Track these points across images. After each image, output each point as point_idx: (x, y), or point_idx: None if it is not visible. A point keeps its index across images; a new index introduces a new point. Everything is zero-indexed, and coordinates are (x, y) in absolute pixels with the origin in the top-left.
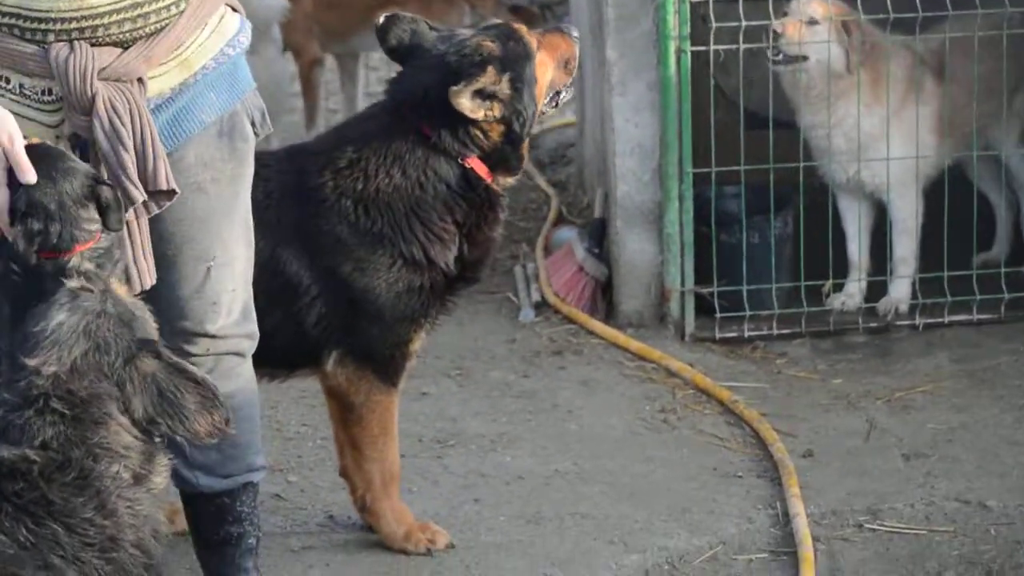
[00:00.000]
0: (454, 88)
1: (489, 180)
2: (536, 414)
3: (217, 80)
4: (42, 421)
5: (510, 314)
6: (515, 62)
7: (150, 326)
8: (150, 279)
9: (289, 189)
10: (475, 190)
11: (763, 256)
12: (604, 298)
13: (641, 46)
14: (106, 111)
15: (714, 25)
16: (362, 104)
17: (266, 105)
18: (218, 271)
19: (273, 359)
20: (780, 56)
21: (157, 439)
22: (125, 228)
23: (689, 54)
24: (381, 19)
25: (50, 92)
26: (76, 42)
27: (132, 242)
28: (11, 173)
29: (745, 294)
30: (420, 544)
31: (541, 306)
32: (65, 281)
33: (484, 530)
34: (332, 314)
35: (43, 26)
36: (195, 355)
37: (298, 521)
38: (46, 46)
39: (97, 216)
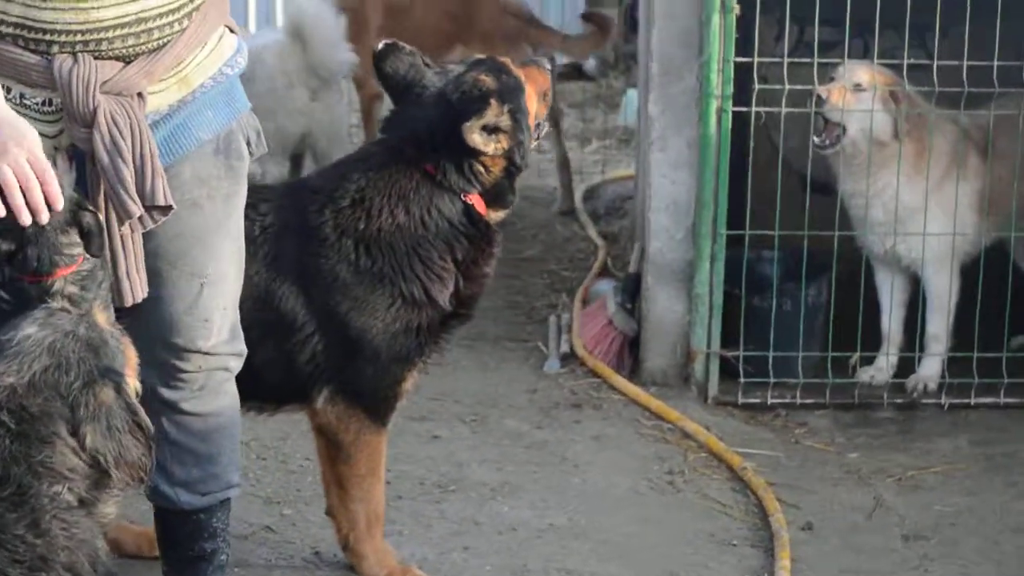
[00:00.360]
0: (467, 124)
1: (486, 216)
2: (542, 466)
3: (214, 99)
4: None
5: (536, 363)
6: (511, 94)
7: (121, 357)
8: (142, 292)
9: (288, 225)
10: (475, 226)
11: (793, 323)
12: (631, 354)
13: (683, 102)
14: (107, 124)
15: (757, 87)
16: None
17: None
18: (210, 288)
19: (262, 393)
20: (827, 143)
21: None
22: (119, 242)
23: (730, 113)
24: (380, 45)
25: (50, 103)
26: (80, 54)
27: (126, 256)
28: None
29: (771, 360)
30: None
31: (568, 358)
32: (49, 303)
33: None
34: (326, 352)
35: (48, 37)
36: (187, 371)
37: (284, 555)
38: (50, 57)
39: (79, 240)
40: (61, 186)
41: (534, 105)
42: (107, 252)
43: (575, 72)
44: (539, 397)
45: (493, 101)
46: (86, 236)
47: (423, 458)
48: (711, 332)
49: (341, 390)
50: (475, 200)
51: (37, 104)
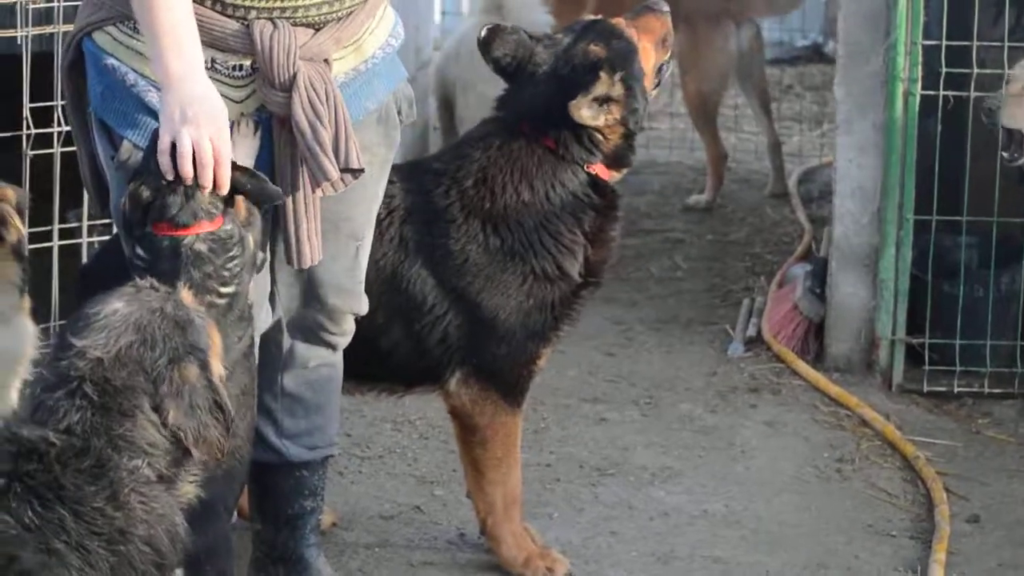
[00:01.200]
0: (572, 102)
1: (609, 182)
2: (708, 451)
3: (382, 69)
4: (70, 404)
5: (721, 347)
6: (623, 60)
7: (206, 338)
8: (319, 255)
9: (414, 207)
10: (600, 195)
11: (984, 311)
12: (817, 340)
13: (869, 86)
14: (306, 89)
15: (944, 70)
16: None
17: None
18: (362, 253)
19: (391, 376)
20: (1015, 156)
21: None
22: (303, 205)
23: (918, 97)
24: (484, 31)
25: (240, 68)
26: (278, 20)
27: (308, 219)
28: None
29: (958, 349)
30: (538, 572)
31: (754, 342)
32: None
33: (609, 564)
34: (458, 333)
35: (246, 3)
36: (332, 332)
37: (428, 536)
38: (247, 23)
39: (221, 202)
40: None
41: (651, 59)
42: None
43: (816, 54)
44: (717, 381)
45: (603, 73)
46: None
47: (588, 440)
48: (896, 319)
49: (474, 372)
50: (598, 168)
51: (228, 69)
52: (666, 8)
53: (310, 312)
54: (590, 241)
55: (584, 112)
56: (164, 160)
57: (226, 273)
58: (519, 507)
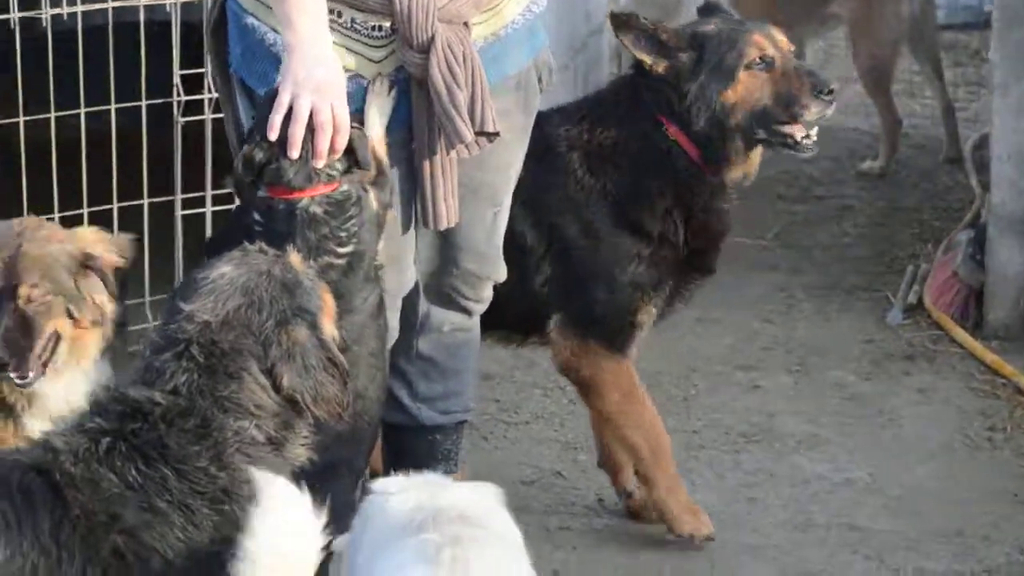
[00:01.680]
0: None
1: (697, 162)
2: (857, 419)
3: (522, 35)
4: (177, 366)
5: (881, 314)
6: None
7: (316, 299)
8: (455, 217)
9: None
10: (690, 175)
11: None
12: (978, 307)
13: None
14: (443, 50)
15: None
16: None
17: None
18: (500, 219)
19: (504, 322)
20: None
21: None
22: (439, 167)
23: None
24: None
25: (380, 28)
26: None
27: (444, 181)
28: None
29: None
30: (684, 527)
31: (915, 309)
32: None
33: (747, 531)
34: (555, 276)
35: None
36: (469, 298)
37: (566, 501)
38: None
39: (339, 165)
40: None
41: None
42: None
43: None
44: (873, 348)
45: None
46: (351, 151)
47: (737, 408)
48: None
49: (572, 319)
50: (688, 147)
51: (367, 29)
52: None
53: (447, 277)
54: (684, 221)
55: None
56: (276, 119)
57: (343, 234)
58: (667, 455)
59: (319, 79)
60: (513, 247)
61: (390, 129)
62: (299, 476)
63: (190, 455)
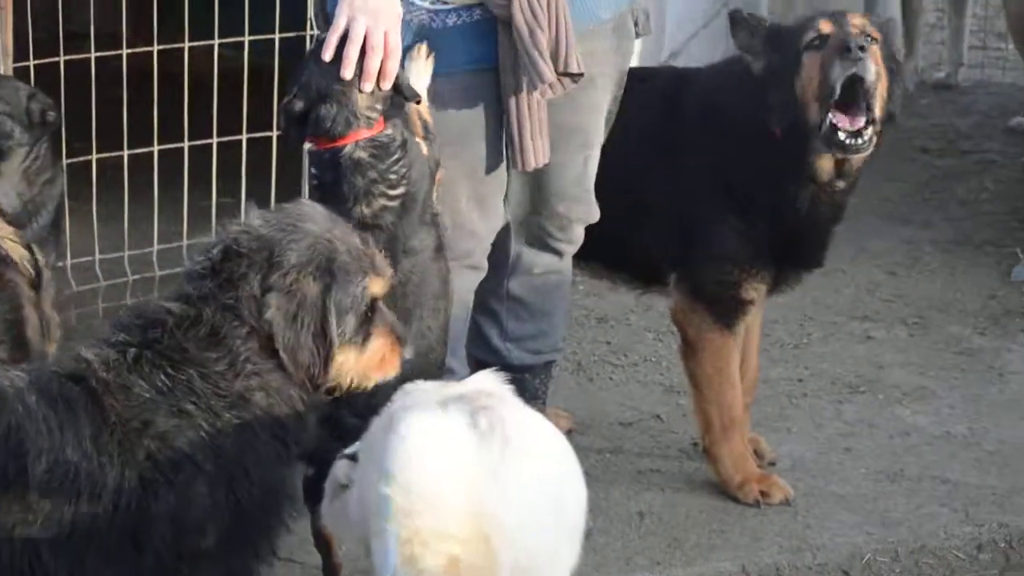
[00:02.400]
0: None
1: (791, 155)
2: (966, 373)
3: None
4: (200, 266)
5: (1009, 269)
6: None
7: (357, 277)
8: (544, 158)
9: (660, 101)
10: (785, 166)
11: None
12: None
13: None
14: None
15: None
16: (967, 40)
17: None
18: (591, 162)
19: (629, 267)
20: None
21: None
22: (526, 107)
23: None
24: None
25: None
26: None
27: (531, 122)
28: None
29: None
30: (751, 496)
31: None
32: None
33: (837, 480)
34: (674, 235)
35: None
36: (560, 240)
37: (661, 444)
38: None
39: (380, 105)
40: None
41: None
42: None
43: None
44: (994, 304)
45: None
46: (397, 88)
47: (846, 358)
48: None
49: (685, 279)
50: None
51: None
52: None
53: (537, 218)
54: (780, 203)
55: None
56: (333, 39)
57: (393, 176)
58: (738, 428)
59: (375, 5)
60: (640, 198)
61: (479, 69)
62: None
63: (208, 360)
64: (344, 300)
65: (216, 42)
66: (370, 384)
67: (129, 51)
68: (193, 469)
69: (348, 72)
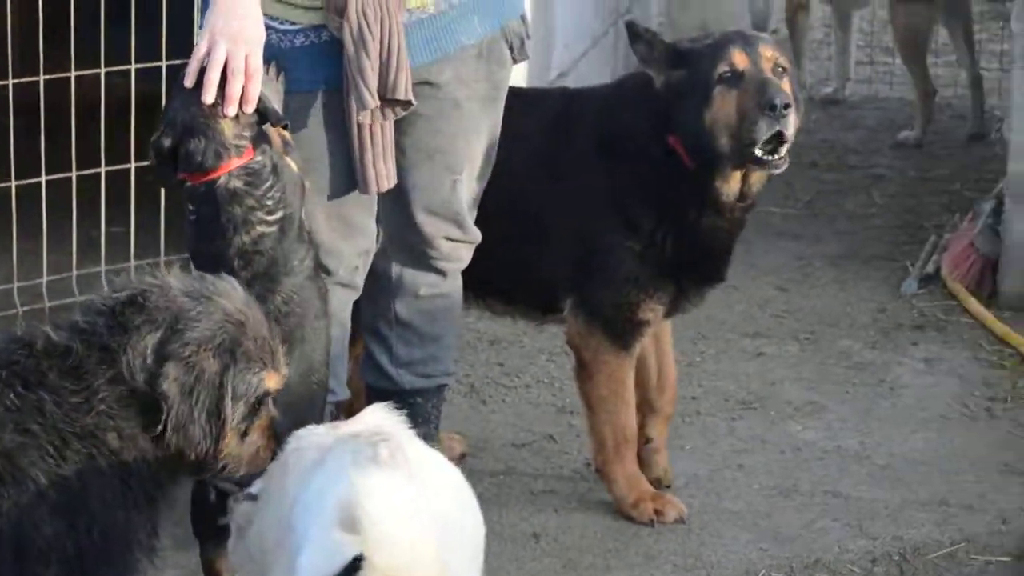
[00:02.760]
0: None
1: (692, 174)
2: (857, 387)
3: (482, 4)
4: (99, 305)
5: (898, 283)
6: None
7: (254, 371)
8: (388, 183)
9: (552, 123)
10: (685, 185)
11: None
12: (995, 277)
13: None
14: (356, 15)
15: None
16: (854, 56)
17: None
18: (461, 185)
19: (525, 297)
20: None
21: None
22: (367, 131)
23: None
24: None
25: None
26: None
27: (372, 145)
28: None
29: None
30: (645, 515)
31: (931, 279)
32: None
33: (730, 497)
34: (568, 259)
35: None
36: (434, 258)
37: (555, 465)
38: None
39: (247, 133)
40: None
41: None
42: (279, 145)
43: None
44: (884, 317)
45: None
46: (262, 114)
47: (739, 375)
48: None
49: (581, 303)
50: (681, 152)
51: None
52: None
53: (410, 238)
54: (672, 222)
55: None
56: (193, 66)
57: (269, 202)
58: (632, 448)
59: (235, 29)
60: (532, 223)
61: (329, 89)
62: None
63: (63, 389)
64: (240, 386)
65: (103, 71)
66: (239, 473)
67: (15, 80)
68: (36, 492)
69: (208, 96)
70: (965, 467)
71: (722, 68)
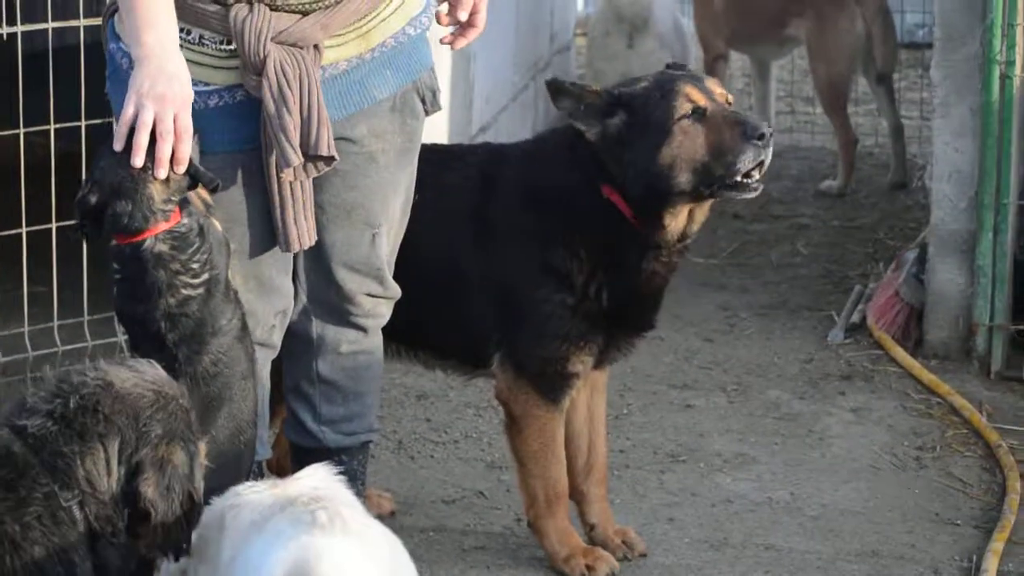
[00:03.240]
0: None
1: (632, 222)
2: (787, 438)
3: (395, 58)
4: (45, 406)
5: (824, 333)
6: None
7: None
8: (309, 240)
9: (477, 179)
10: (623, 235)
11: None
12: (919, 326)
13: (966, 69)
14: (275, 73)
15: None
16: (774, 106)
17: None
18: (380, 239)
19: (454, 352)
20: None
21: None
22: (287, 189)
23: (1016, 80)
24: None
25: (229, 42)
26: (256, 5)
27: (293, 203)
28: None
29: None
30: (577, 570)
31: (857, 328)
32: (145, 266)
33: (661, 551)
34: (495, 312)
35: None
36: (355, 315)
37: (485, 521)
38: (228, 6)
39: (175, 197)
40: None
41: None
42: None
43: None
44: (811, 368)
45: None
46: (193, 176)
47: (667, 427)
48: (994, 305)
49: (509, 357)
50: (618, 202)
51: (215, 43)
52: None
53: (330, 294)
54: (606, 273)
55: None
56: (122, 130)
57: (195, 265)
58: (564, 503)
59: (162, 90)
60: (461, 278)
61: (245, 149)
62: None
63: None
64: (197, 468)
65: (22, 131)
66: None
67: None
68: None
69: (138, 160)
70: (896, 517)
71: (682, 105)
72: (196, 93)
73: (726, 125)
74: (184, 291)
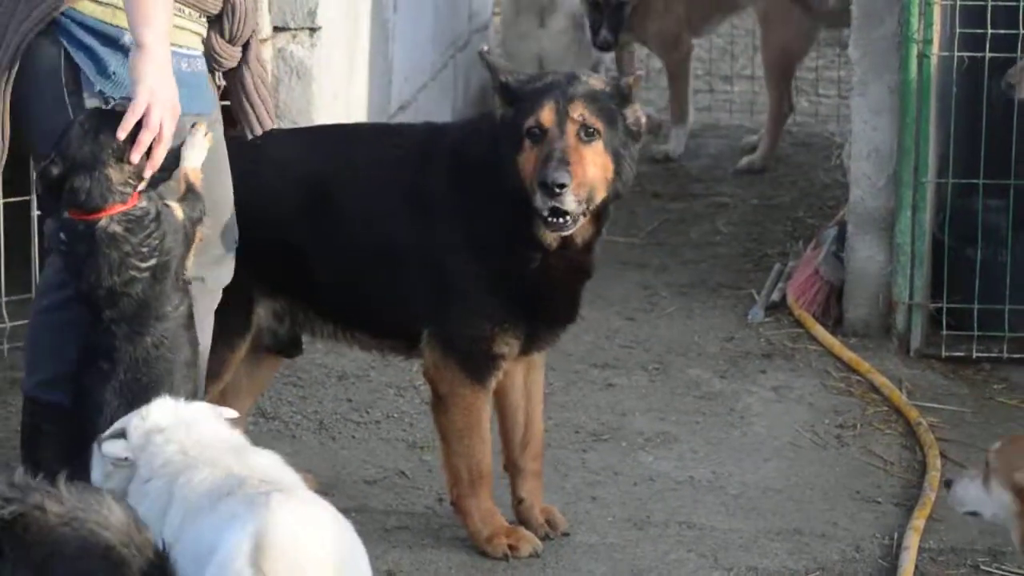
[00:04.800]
0: None
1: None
2: (708, 417)
3: None
4: None
5: (744, 312)
6: None
7: None
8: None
9: (416, 156)
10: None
11: (1003, 275)
12: (839, 304)
13: (884, 47)
14: None
15: (959, 31)
16: (692, 84)
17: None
18: None
19: (387, 331)
20: None
21: None
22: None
23: (933, 58)
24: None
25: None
26: None
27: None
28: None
29: (976, 313)
30: (499, 549)
31: (777, 306)
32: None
33: (584, 530)
34: (424, 289)
35: None
36: None
37: (407, 501)
38: None
39: (133, 180)
40: None
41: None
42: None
43: None
44: (732, 346)
45: None
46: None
47: (589, 406)
48: (913, 283)
49: (436, 334)
50: None
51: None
52: None
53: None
54: (527, 257)
55: None
56: (131, 120)
57: (145, 249)
58: (488, 483)
59: (168, 96)
60: (395, 256)
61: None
62: None
63: None
64: None
65: None
66: None
67: None
68: None
69: (135, 157)
70: (817, 495)
71: (529, 122)
72: (192, 58)
73: (542, 159)
74: (131, 272)
